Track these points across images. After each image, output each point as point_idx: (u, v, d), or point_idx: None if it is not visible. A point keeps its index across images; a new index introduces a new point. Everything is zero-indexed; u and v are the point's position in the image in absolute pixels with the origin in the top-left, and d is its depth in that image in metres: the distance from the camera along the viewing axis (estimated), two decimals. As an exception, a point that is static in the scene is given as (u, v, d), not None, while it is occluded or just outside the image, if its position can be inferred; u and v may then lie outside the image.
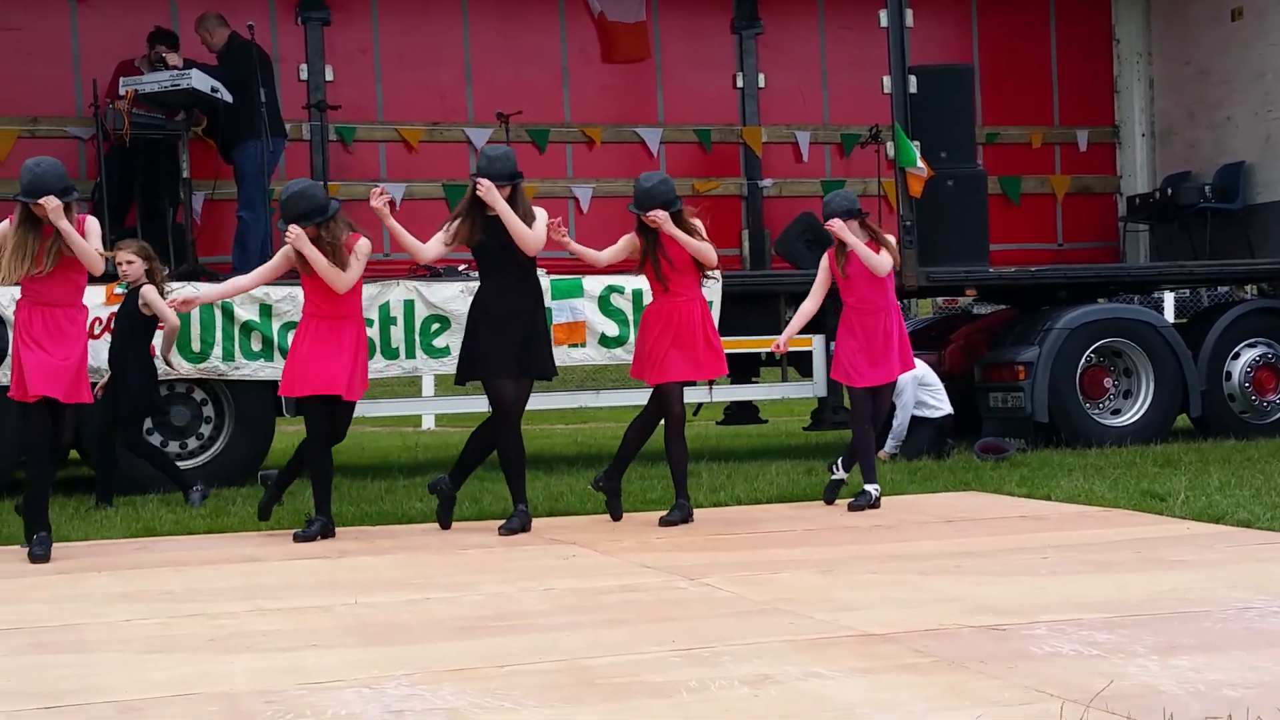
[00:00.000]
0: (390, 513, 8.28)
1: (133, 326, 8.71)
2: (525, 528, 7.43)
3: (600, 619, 5.11)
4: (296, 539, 7.25)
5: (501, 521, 7.57)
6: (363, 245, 7.31)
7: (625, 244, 7.70)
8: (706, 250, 7.61)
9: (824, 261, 8.23)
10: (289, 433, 14.30)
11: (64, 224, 6.71)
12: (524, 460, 7.56)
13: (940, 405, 10.76)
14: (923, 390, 10.72)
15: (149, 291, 8.61)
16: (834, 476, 8.36)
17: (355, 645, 4.77)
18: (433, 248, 7.51)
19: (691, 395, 11.51)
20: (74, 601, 5.76)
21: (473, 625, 5.08)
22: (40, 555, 6.79)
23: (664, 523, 7.55)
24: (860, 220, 8.08)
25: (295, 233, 7.20)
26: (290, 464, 7.71)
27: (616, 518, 7.79)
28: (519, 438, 7.52)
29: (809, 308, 8.26)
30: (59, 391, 6.79)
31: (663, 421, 7.73)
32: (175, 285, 8.92)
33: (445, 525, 7.64)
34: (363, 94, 11.50)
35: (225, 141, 10.46)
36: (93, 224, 6.91)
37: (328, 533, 7.38)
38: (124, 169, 10.26)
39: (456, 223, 7.50)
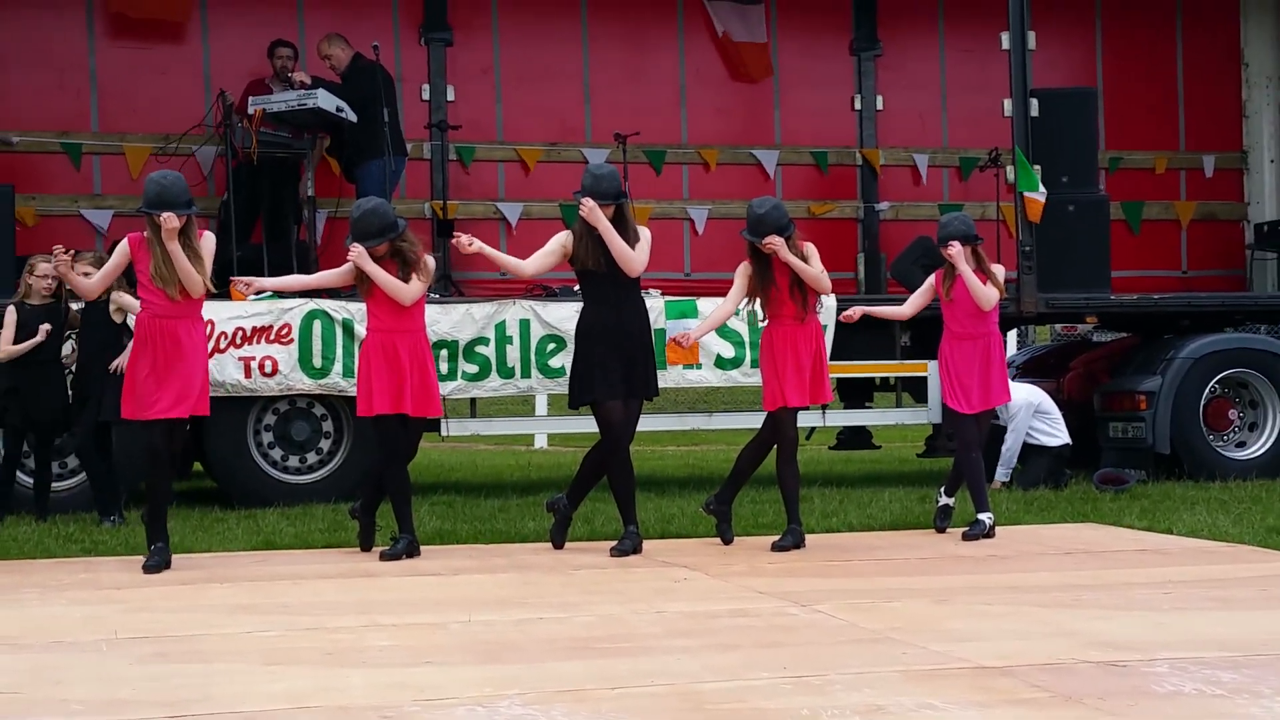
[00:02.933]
0: (503, 531, 8.35)
1: (104, 339, 8.72)
2: (636, 549, 7.45)
3: (711, 643, 5.11)
4: (383, 558, 7.30)
5: (613, 543, 7.59)
6: (429, 263, 7.40)
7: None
8: (820, 277, 7.60)
9: (931, 279, 8.18)
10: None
11: (173, 245, 6.87)
12: (634, 482, 7.59)
13: (1058, 434, 10.61)
14: (1040, 418, 10.58)
15: (121, 297, 8.58)
16: (941, 502, 8.32)
17: (469, 663, 4.82)
18: (533, 263, 7.53)
19: (805, 419, 11.49)
20: (196, 612, 5.89)
21: (584, 646, 5.10)
22: (154, 566, 6.95)
23: (776, 548, 7.53)
24: (973, 248, 8.01)
25: (357, 251, 7.28)
26: (368, 489, 7.75)
27: (727, 542, 7.78)
28: (628, 460, 7.54)
29: (901, 311, 8.31)
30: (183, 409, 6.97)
31: (775, 446, 7.71)
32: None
33: (558, 545, 7.68)
34: (483, 114, 11.64)
35: (349, 161, 10.65)
36: (208, 240, 7.06)
37: (413, 551, 7.41)
38: (251, 187, 10.49)
39: (569, 241, 7.52)
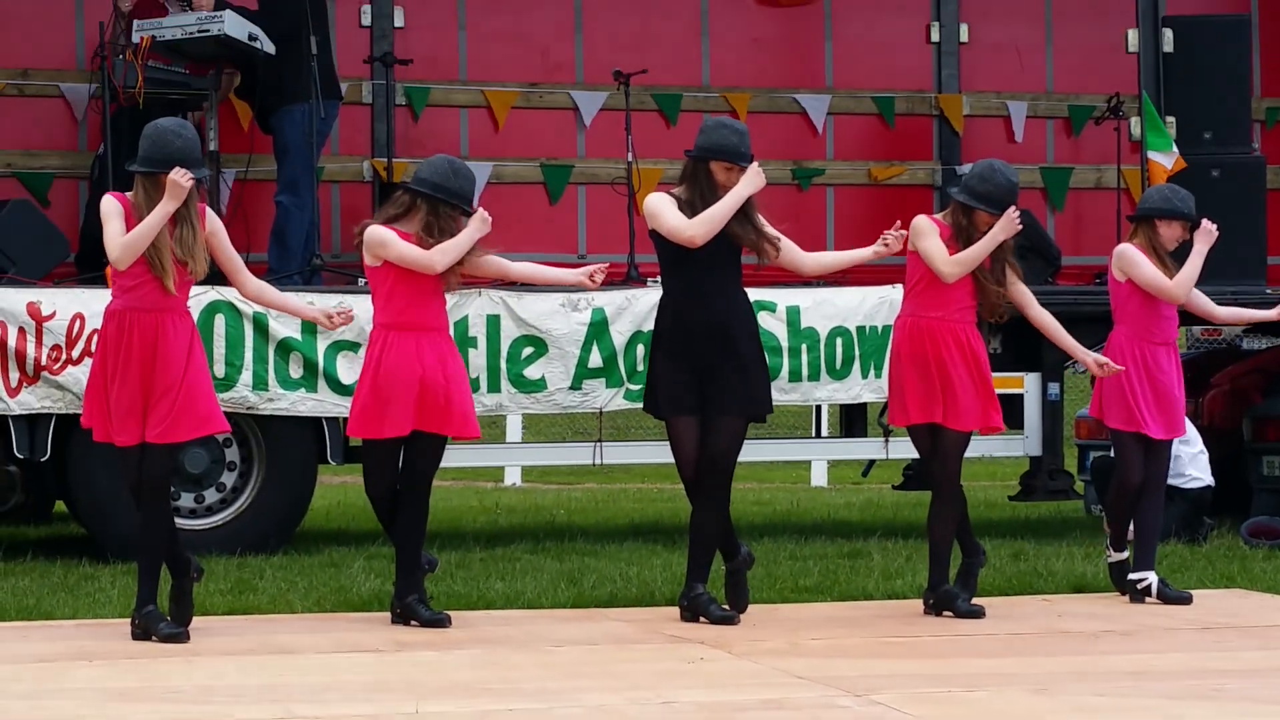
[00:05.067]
0: (462, 594, 8.34)
1: None
2: (720, 617, 7.53)
3: (735, 745, 5.11)
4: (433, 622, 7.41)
5: (610, 610, 7.61)
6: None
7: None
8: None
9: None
10: (332, 484, 14.50)
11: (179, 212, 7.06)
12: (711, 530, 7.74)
13: (1197, 473, 10.60)
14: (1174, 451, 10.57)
15: None
16: (1111, 559, 8.48)
17: (414, 768, 4.83)
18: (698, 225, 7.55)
19: (862, 451, 11.50)
20: (57, 698, 5.87)
21: (568, 747, 5.10)
22: (172, 634, 7.09)
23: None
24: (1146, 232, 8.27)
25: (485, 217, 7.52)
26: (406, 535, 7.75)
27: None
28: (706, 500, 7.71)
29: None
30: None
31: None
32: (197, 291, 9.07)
33: (716, 616, 7.60)
34: (441, 45, 11.62)
35: (264, 105, 10.65)
36: (107, 205, 7.14)
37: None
38: (135, 138, 10.45)
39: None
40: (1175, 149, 10.59)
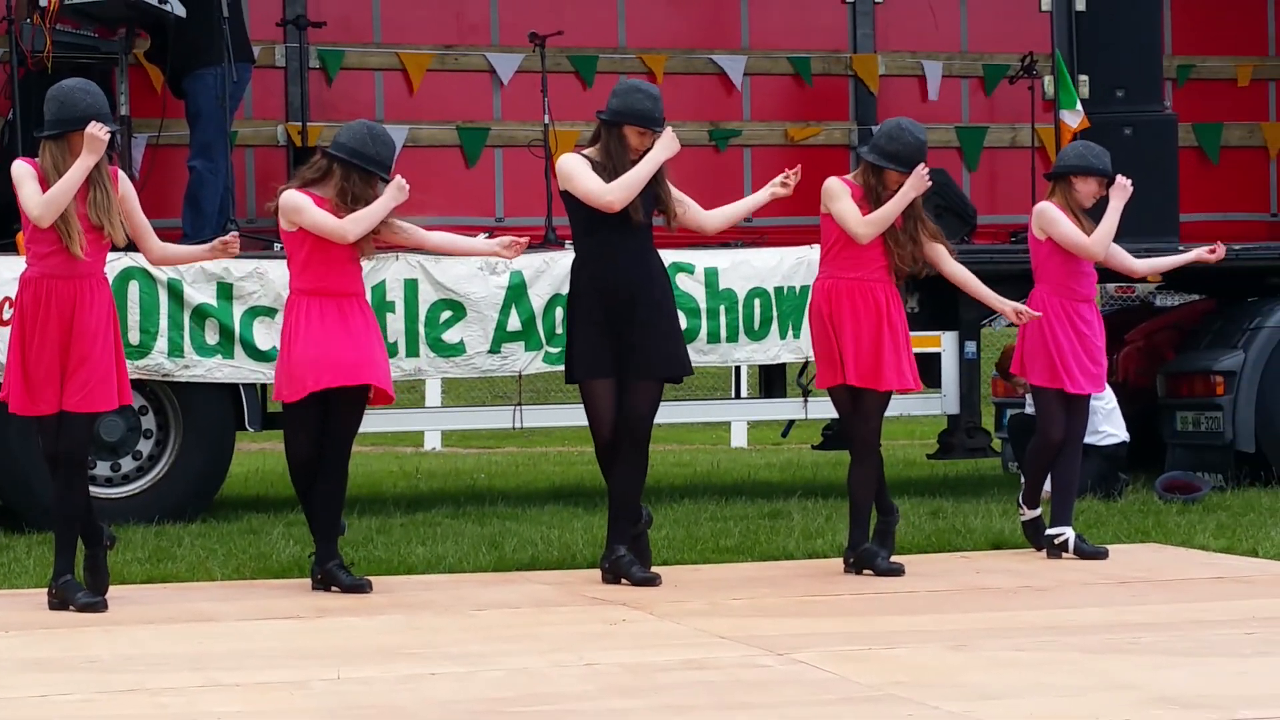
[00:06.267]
0: (383, 560, 8.34)
1: None
2: (626, 576, 7.55)
3: (657, 704, 5.12)
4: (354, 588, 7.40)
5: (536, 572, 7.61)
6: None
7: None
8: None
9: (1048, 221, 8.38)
10: (250, 451, 14.42)
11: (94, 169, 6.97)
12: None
13: (1111, 429, 10.69)
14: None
15: None
16: (1025, 516, 8.55)
17: (337, 734, 4.82)
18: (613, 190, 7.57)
19: (782, 412, 11.54)
20: (-27, 669, 5.84)
21: (491, 711, 5.10)
22: (90, 604, 7.05)
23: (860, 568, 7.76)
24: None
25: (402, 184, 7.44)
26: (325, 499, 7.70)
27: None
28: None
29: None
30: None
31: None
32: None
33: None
34: (354, 7, 11.55)
35: (175, 69, 10.55)
36: (19, 169, 7.06)
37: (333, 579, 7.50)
38: (43, 103, 10.35)
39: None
40: (1081, 108, 10.65)
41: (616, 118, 7.63)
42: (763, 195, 7.92)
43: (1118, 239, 8.44)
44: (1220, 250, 8.72)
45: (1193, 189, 12.12)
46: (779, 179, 7.83)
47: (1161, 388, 11.44)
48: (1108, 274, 9.05)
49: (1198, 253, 8.76)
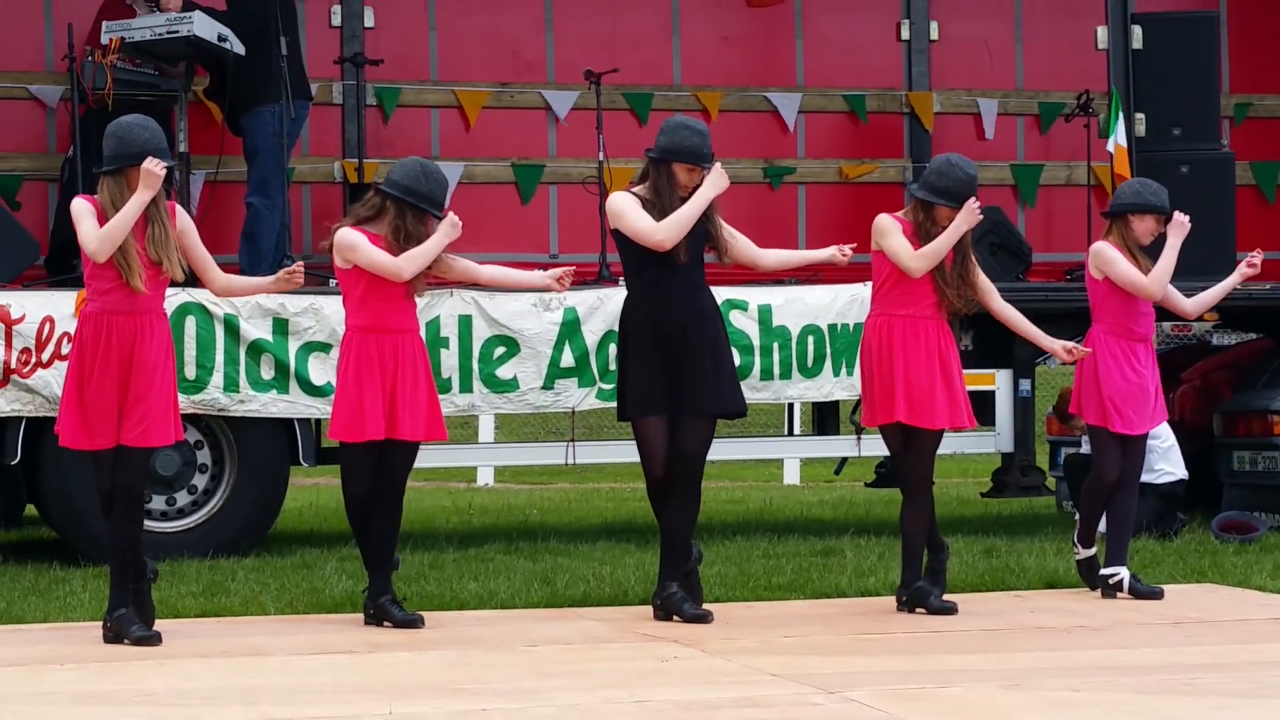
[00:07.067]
0: (435, 595, 8.34)
1: None
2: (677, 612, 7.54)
3: (709, 743, 5.12)
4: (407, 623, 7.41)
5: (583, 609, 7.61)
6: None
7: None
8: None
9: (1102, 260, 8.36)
10: (304, 486, 14.48)
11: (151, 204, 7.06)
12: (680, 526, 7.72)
13: (1169, 467, 10.63)
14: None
15: None
16: (1079, 556, 8.51)
17: (388, 769, 4.83)
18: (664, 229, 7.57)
19: (836, 449, 11.51)
20: (28, 702, 5.86)
21: (541, 747, 5.11)
22: (144, 637, 7.09)
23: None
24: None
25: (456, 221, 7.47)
26: (379, 539, 7.71)
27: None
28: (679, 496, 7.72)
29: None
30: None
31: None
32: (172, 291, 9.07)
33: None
34: (412, 45, 11.62)
35: (234, 106, 10.64)
36: (78, 207, 7.12)
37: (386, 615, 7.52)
38: (102, 140, 10.44)
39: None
40: (1122, 137, 10.63)
41: (665, 155, 7.65)
42: (824, 254, 7.97)
43: (1175, 277, 8.40)
44: (1258, 258, 8.62)
45: (1249, 227, 12.05)
46: (840, 248, 7.89)
47: (1218, 427, 11.39)
48: (1164, 313, 9.01)
49: (1239, 273, 8.66)
